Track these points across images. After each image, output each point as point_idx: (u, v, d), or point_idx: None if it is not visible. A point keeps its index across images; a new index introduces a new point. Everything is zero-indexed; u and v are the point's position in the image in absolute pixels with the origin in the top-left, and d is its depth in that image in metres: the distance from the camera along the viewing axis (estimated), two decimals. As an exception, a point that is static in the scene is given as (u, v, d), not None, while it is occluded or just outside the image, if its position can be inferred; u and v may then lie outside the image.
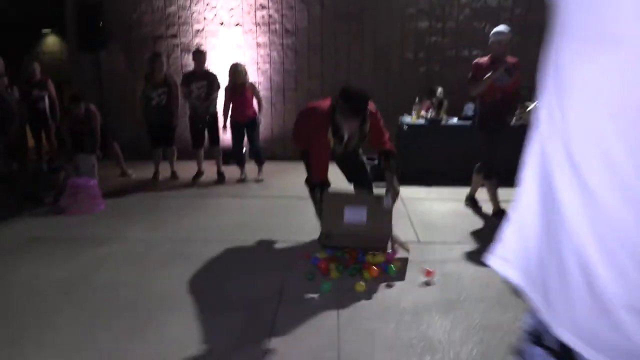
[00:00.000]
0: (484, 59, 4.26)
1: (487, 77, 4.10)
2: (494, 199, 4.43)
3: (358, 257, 3.37)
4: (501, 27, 4.21)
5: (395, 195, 3.45)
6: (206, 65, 6.07)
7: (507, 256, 0.80)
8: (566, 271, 0.67)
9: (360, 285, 2.96)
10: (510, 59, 4.18)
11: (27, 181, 4.97)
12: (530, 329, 0.80)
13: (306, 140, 3.55)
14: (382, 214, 3.40)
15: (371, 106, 3.42)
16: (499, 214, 4.37)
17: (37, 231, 4.17)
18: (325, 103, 3.50)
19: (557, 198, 0.67)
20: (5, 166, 5.17)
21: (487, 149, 4.35)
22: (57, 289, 2.99)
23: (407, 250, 3.50)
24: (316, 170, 3.47)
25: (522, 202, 0.77)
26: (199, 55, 5.89)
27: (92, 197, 4.80)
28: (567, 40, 0.68)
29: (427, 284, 3.05)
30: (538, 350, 0.78)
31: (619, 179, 0.61)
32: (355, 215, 3.41)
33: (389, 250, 3.47)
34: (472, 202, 4.82)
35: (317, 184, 3.47)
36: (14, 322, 2.56)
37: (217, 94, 5.95)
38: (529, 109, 4.79)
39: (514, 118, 4.98)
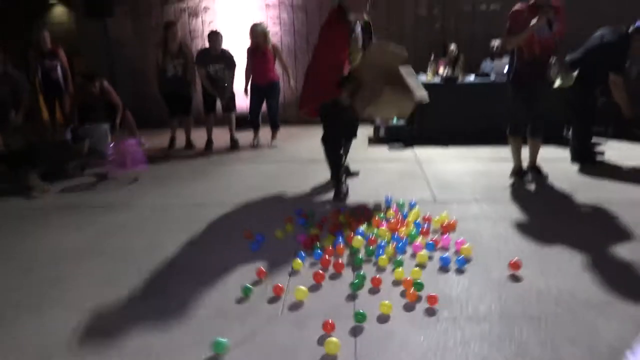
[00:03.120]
0: (523, 6, 3.76)
1: (525, 31, 3.64)
2: (517, 156, 4.20)
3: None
4: None
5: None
6: (222, 45, 5.84)
7: None
8: None
9: (386, 306, 2.20)
10: (555, 2, 3.72)
11: (48, 153, 4.91)
12: None
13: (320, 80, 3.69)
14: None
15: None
16: (519, 172, 4.22)
17: (56, 200, 4.19)
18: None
19: None
20: (24, 139, 5.12)
21: (515, 106, 4.04)
22: (72, 253, 3.00)
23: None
24: (335, 69, 3.58)
25: None
26: (215, 37, 5.71)
27: (136, 156, 4.79)
28: None
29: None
30: None
31: None
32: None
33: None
34: (535, 170, 4.33)
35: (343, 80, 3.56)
36: (32, 287, 2.58)
37: (233, 73, 5.84)
38: (573, 74, 4.12)
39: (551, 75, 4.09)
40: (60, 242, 3.20)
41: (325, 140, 3.86)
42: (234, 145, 6.05)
